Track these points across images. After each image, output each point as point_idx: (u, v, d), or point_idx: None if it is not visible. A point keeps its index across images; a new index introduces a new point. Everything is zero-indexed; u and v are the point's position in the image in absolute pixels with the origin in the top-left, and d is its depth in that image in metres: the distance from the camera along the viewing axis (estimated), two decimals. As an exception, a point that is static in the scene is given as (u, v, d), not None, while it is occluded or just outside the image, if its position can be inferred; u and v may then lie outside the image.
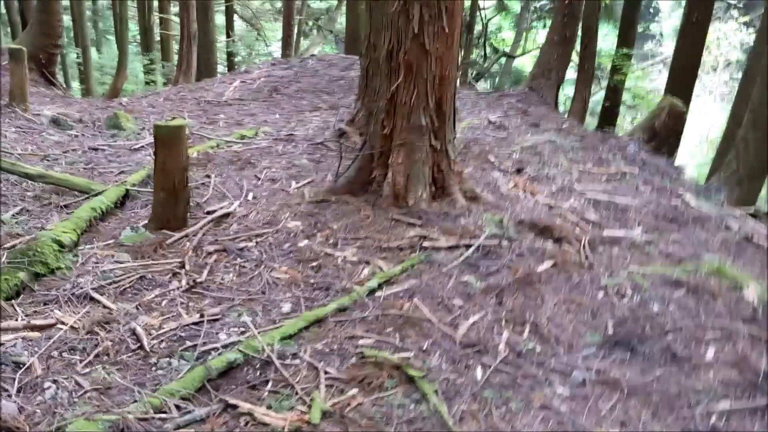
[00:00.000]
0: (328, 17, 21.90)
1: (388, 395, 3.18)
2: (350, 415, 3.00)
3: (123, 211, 5.42)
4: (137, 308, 3.92)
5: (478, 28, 16.35)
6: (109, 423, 2.75)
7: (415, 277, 4.34)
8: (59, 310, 3.81)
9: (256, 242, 4.73)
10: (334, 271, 4.41)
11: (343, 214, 5.08)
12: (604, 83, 15.18)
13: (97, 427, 2.70)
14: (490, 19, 16.34)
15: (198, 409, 2.98)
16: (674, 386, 3.37)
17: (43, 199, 5.59)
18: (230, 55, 21.81)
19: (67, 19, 26.91)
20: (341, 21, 23.26)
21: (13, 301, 3.84)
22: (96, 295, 3.96)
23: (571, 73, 14.01)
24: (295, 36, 20.52)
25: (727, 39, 20.68)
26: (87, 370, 3.30)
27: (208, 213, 5.34)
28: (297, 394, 3.15)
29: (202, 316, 3.82)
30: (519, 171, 6.31)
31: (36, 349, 3.42)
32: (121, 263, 4.38)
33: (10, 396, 3.01)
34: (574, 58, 12.74)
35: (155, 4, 22.49)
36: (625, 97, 15.63)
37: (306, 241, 4.76)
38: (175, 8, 21.71)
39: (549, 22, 11.09)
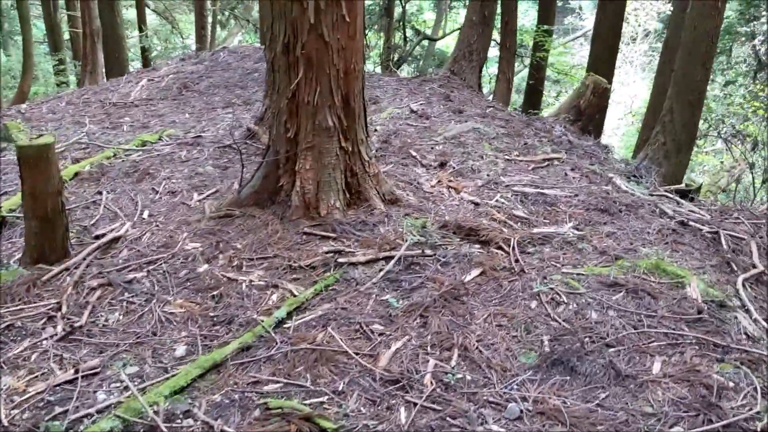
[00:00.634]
0: (244, 6, 20.99)
1: (295, 460, 2.67)
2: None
3: (-5, 241, 4.72)
4: (0, 367, 3.29)
5: (398, 10, 15.84)
6: None
7: (330, 300, 3.82)
8: None
9: (148, 271, 4.12)
10: (237, 299, 3.85)
11: (249, 230, 4.51)
12: (528, 61, 14.89)
13: None
14: (408, 0, 15.82)
15: None
16: (621, 412, 2.96)
17: None
18: (144, 51, 20.67)
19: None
20: (257, 10, 22.37)
21: None
22: (-54, 357, 3.31)
23: (494, 52, 13.67)
24: (210, 27, 19.59)
25: (645, 10, 20.74)
26: None
27: (96, 238, 4.70)
28: (183, 470, 2.61)
29: (77, 371, 3.22)
30: (442, 165, 5.85)
31: None
32: (-16, 311, 3.71)
33: None
34: (496, 36, 12.38)
35: (60, 1, 21.14)
36: (549, 72, 15.41)
37: (206, 266, 4.18)
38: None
39: (469, 2, 10.65)
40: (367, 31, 16.79)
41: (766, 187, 12.20)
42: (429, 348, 3.42)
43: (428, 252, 4.21)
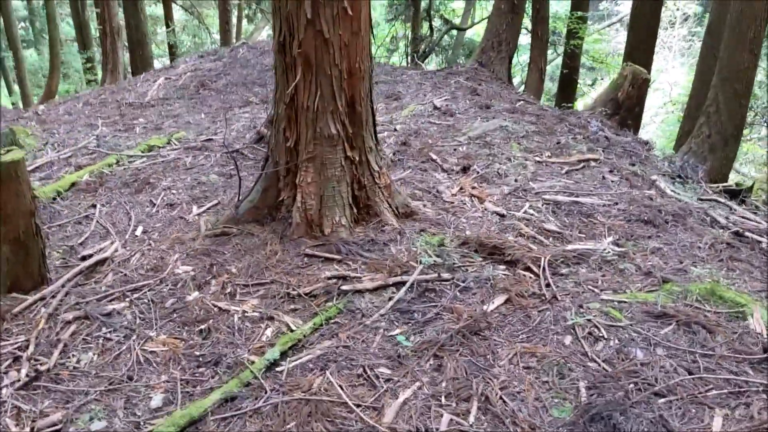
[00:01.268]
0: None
1: None
2: None
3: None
4: (-51, 422, 2.85)
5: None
6: None
7: (331, 336, 3.31)
8: None
9: (131, 301, 3.65)
10: (227, 334, 3.36)
11: (246, 251, 4.01)
12: (561, 49, 14.16)
13: None
14: (437, -11, 15.18)
15: None
16: (675, 488, 2.40)
17: None
18: (171, 47, 20.37)
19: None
20: (285, 2, 21.92)
21: None
22: None
23: (525, 40, 12.98)
24: (235, 21, 19.19)
25: (683, -8, 19.74)
26: None
27: (83, 259, 4.26)
28: None
29: (33, 429, 2.76)
30: (465, 169, 5.29)
31: None
32: (-57, 351, 3.29)
33: None
34: (527, 24, 11.70)
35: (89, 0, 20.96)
36: (583, 59, 14.64)
37: (196, 293, 3.70)
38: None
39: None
40: (394, 22, 16.22)
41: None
42: (443, 398, 2.88)
43: (445, 276, 3.66)
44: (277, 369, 3.10)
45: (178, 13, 24.49)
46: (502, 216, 4.44)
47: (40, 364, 3.18)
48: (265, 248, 3.98)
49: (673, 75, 20.38)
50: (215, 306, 3.58)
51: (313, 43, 3.63)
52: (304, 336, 3.29)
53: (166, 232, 4.53)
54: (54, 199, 5.24)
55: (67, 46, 25.38)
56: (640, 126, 10.44)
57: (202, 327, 3.42)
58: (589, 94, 17.00)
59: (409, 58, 14.47)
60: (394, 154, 5.62)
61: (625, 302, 3.47)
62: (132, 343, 3.32)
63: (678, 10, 20.42)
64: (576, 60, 13.50)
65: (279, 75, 3.88)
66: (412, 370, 3.05)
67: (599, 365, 3.04)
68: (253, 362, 3.11)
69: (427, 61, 14.14)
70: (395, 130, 6.57)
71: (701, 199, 5.05)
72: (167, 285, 3.79)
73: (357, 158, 3.97)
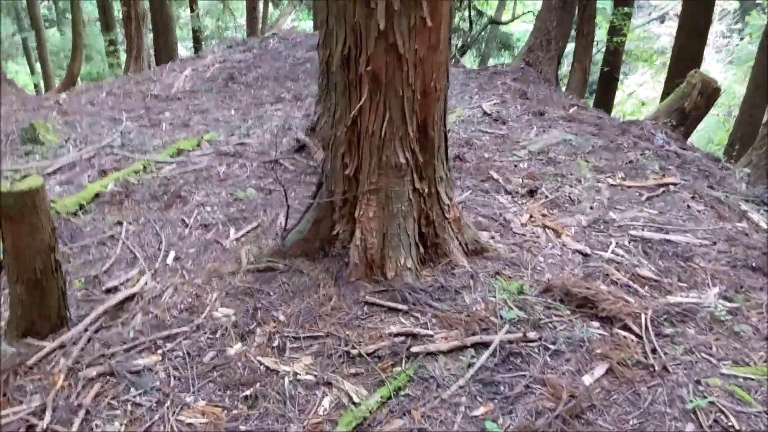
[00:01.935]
0: (297, -15, 19.91)
1: None
2: None
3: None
4: None
5: (459, -11, 14.51)
6: None
7: (402, 413, 2.75)
8: None
9: (164, 353, 3.11)
10: (277, 403, 2.81)
11: (295, 293, 3.45)
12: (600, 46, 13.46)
13: None
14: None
15: None
16: None
17: None
18: (195, 32, 19.78)
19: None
20: (312, -12, 21.19)
21: None
22: None
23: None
24: (261, 7, 18.56)
25: (724, -13, 18.85)
26: None
27: (108, 291, 3.73)
28: None
29: None
30: (532, 193, 4.70)
31: None
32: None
33: None
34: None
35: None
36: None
37: (239, 346, 3.15)
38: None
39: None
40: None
41: None
42: None
43: (531, 335, 3.09)
44: (340, 457, 2.56)
45: (202, -5, 23.89)
46: (586, 256, 3.84)
47: (58, 439, 2.66)
48: (317, 291, 3.41)
49: (712, 73, 19.51)
50: (261, 364, 3.03)
51: (384, 58, 3.04)
52: (370, 412, 2.73)
53: (202, 261, 3.98)
54: (76, 212, 4.71)
55: (89, 27, 24.87)
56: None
57: (248, 392, 2.88)
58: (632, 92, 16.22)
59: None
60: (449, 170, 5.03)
61: (752, 379, 2.88)
62: (166, 411, 2.78)
63: (717, 5, 19.53)
64: (617, 58, 12.80)
65: (339, 92, 3.30)
66: (505, 467, 2.49)
67: (734, 468, 2.47)
68: (310, 448, 2.56)
69: (462, 56, 13.46)
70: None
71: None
72: (205, 332, 3.25)
73: (426, 190, 3.39)
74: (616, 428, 2.64)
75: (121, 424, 2.75)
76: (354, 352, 3.04)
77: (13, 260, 3.07)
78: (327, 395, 2.86)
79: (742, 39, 19.94)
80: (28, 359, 3.05)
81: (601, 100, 12.78)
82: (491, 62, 17.08)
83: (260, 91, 9.13)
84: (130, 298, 3.58)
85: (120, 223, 4.53)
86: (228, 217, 4.53)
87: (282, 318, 3.29)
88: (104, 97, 9.88)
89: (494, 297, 3.35)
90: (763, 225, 4.43)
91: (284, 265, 3.63)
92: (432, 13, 3.02)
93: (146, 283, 3.71)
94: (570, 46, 10.80)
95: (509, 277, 3.56)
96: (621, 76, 18.16)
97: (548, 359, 3.00)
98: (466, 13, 13.64)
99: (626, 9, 11.78)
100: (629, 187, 4.89)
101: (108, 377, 2.98)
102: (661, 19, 19.94)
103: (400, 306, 3.24)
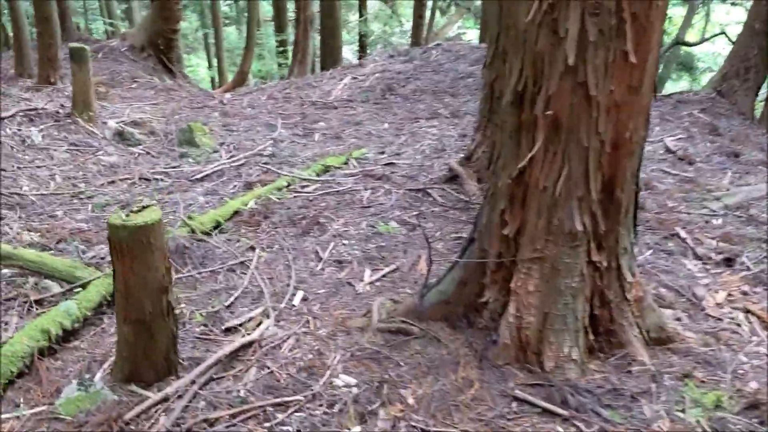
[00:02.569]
0: (466, -7, 19.34)
1: None
2: None
3: (103, 322, 3.50)
4: None
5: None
6: None
7: None
8: None
9: (271, 427, 2.64)
10: None
11: (429, 368, 2.87)
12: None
13: None
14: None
15: None
16: None
17: (15, 285, 3.81)
18: (362, 37, 19.81)
19: None
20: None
21: None
22: None
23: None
24: (428, 15, 18.19)
25: None
26: None
27: (227, 331, 3.35)
28: None
29: None
30: (729, 261, 3.81)
31: None
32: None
33: None
34: None
35: (289, -18, 20.95)
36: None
37: (357, 430, 2.62)
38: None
39: (751, 4, 8.11)
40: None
41: None
42: None
43: (733, 476, 2.30)
44: None
45: (370, 1, 24.02)
46: (807, 363, 2.95)
47: None
48: (455, 371, 2.81)
49: None
50: (383, 459, 2.48)
51: (570, 99, 2.39)
52: None
53: (330, 306, 3.51)
54: (211, 231, 4.43)
55: (264, 27, 25.85)
56: None
57: (363, 498, 2.34)
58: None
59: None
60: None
61: None
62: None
63: None
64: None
65: (507, 134, 2.67)
66: None
67: None
68: None
69: None
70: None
71: None
72: (321, 404, 2.75)
73: (605, 264, 2.69)
74: None
75: None
76: (494, 464, 2.41)
77: (123, 299, 2.74)
78: None
79: None
80: (127, 412, 2.70)
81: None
82: (669, 85, 15.59)
83: (417, 104, 8.67)
84: (247, 345, 3.17)
85: (253, 249, 4.18)
86: (365, 254, 4.04)
87: (411, 400, 2.72)
88: (265, 100, 9.88)
89: (682, 411, 2.58)
90: None
91: (420, 330, 3.07)
92: (637, 45, 2.32)
93: (267, 328, 3.29)
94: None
95: (702, 382, 2.76)
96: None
97: None
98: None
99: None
100: None
101: (207, 447, 2.57)
102: None
103: (558, 409, 2.56)
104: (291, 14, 21.80)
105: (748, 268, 3.76)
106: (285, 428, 2.64)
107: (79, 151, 6.53)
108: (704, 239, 4.07)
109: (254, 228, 4.51)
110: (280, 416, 2.69)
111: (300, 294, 3.64)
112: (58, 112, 7.14)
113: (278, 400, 2.78)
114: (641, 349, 2.81)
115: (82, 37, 15.99)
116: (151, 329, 2.79)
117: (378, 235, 4.28)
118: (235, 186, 5.67)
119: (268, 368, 3.00)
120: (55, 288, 3.75)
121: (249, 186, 5.59)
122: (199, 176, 5.98)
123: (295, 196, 5.08)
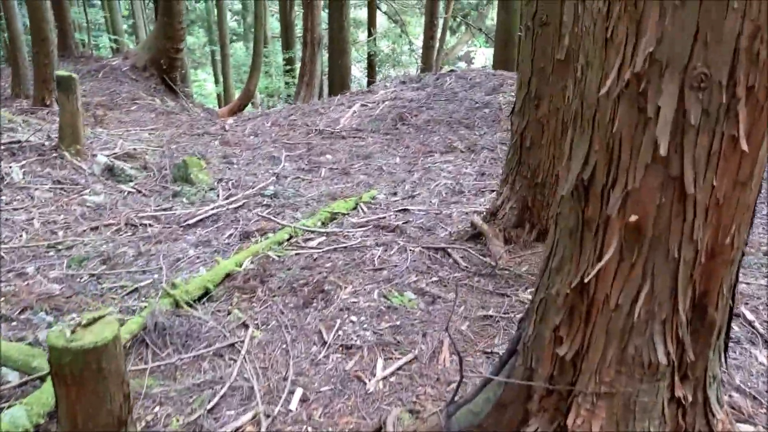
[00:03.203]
0: (478, 13, 18.79)
1: None
2: None
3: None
4: None
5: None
6: None
7: None
8: None
9: None
10: None
11: None
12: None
13: None
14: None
15: None
16: None
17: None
18: (371, 56, 19.29)
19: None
20: (492, 16, 20.04)
21: None
22: None
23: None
24: (439, 35, 17.65)
25: None
26: None
27: (209, 446, 2.74)
28: None
29: None
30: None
31: None
32: None
33: None
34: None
35: (297, 0, 20.50)
36: None
37: None
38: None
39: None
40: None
41: None
42: None
43: None
44: None
45: (380, 18, 23.54)
46: None
47: None
48: None
49: None
50: None
51: (658, 197, 1.77)
52: None
53: (335, 410, 2.89)
54: (199, 299, 3.83)
55: (272, 43, 25.44)
56: None
57: None
58: None
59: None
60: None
61: None
62: None
63: None
64: None
65: (565, 230, 2.06)
66: None
67: None
68: None
69: None
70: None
71: None
72: None
73: (690, 398, 2.06)
74: None
75: None
76: None
77: (70, 432, 2.12)
78: None
79: None
80: None
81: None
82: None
83: (430, 136, 8.08)
84: (231, 470, 2.55)
85: (246, 326, 3.56)
86: (377, 336, 3.42)
87: None
88: (269, 127, 9.32)
89: None
90: None
91: (447, 459, 2.45)
92: (751, 129, 1.71)
93: (257, 443, 2.68)
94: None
95: None
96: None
97: None
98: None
99: None
100: None
101: None
102: None
103: None
104: (299, 30, 21.37)
105: (834, 364, 3.13)
106: None
107: (63, 190, 5.94)
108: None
109: (249, 296, 3.90)
110: None
111: (299, 392, 3.02)
112: (43, 145, 6.57)
113: None
114: (732, 504, 2.18)
115: (84, 55, 15.53)
116: (107, 469, 2.17)
117: (392, 309, 3.65)
118: (231, 235, 5.07)
119: (257, 507, 2.38)
120: (12, 377, 3.15)
121: (246, 235, 5.00)
122: (192, 221, 5.39)
123: (297, 254, 4.46)
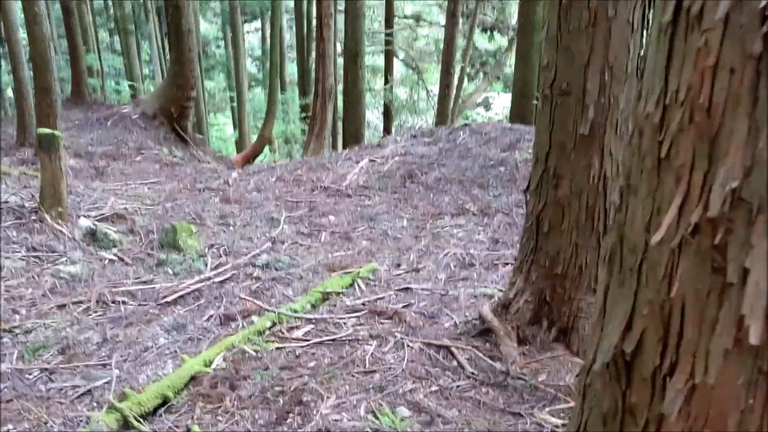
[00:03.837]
0: (496, 61, 18.36)
1: None
2: None
3: None
4: None
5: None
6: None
7: None
8: None
9: None
10: None
11: None
12: None
13: None
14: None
15: None
16: None
17: None
18: (386, 106, 18.85)
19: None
20: (510, 64, 19.63)
21: None
22: None
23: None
24: (455, 83, 17.20)
25: None
26: None
27: None
28: None
29: None
30: None
31: None
32: None
33: None
34: None
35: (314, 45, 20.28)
36: None
37: None
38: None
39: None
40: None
41: None
42: None
43: None
44: None
45: (397, 65, 23.25)
46: None
47: None
48: None
49: None
50: None
51: (743, 399, 1.15)
52: None
53: None
54: (156, 410, 3.22)
55: (291, 88, 25.25)
56: None
57: None
58: None
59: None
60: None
61: None
62: None
63: None
64: None
65: (599, 417, 1.42)
66: None
67: None
68: None
69: None
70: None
71: None
72: None
73: None
74: None
75: None
76: None
77: None
78: None
79: None
80: None
81: None
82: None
83: (441, 196, 7.49)
84: None
85: (202, 453, 2.94)
86: (360, 471, 2.77)
87: None
88: (273, 182, 8.80)
89: None
90: None
91: None
92: None
93: None
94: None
95: None
96: None
97: None
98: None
99: None
100: None
101: None
102: None
103: None
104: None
105: None
106: None
107: (37, 259, 5.41)
108: None
109: (215, 406, 3.27)
110: None
111: None
112: (23, 207, 6.07)
113: None
114: None
115: (97, 102, 15.27)
116: None
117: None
118: (211, 317, 4.48)
119: None
120: None
121: (228, 319, 4.41)
122: (171, 298, 4.81)
123: (278, 348, 3.84)
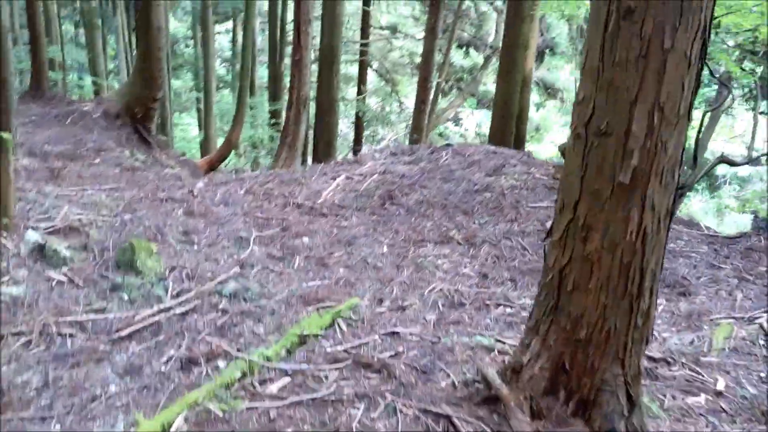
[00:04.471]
0: (472, 78, 18.01)
1: None
2: None
3: None
4: None
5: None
6: None
7: None
8: None
9: None
10: None
11: None
12: None
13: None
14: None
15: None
16: None
17: None
18: (359, 117, 18.33)
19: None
20: (485, 82, 19.29)
21: None
22: None
23: None
24: (431, 97, 16.78)
25: None
26: None
27: None
28: None
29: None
30: None
31: None
32: None
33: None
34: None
35: (288, 50, 19.65)
36: None
37: None
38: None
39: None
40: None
41: None
42: None
43: None
44: None
45: (371, 75, 22.76)
46: None
47: None
48: None
49: None
50: None
51: None
52: None
53: None
54: (98, 492, 2.62)
55: (260, 92, 24.54)
56: None
57: None
58: None
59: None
60: None
61: None
62: None
63: None
64: None
65: None
66: None
67: None
68: None
69: (679, 204, 10.71)
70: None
71: None
72: None
73: None
74: None
75: None
76: None
77: None
78: None
79: None
80: None
81: None
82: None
83: (423, 221, 6.99)
84: None
85: None
86: None
87: None
88: (242, 195, 8.18)
89: None
90: None
91: None
92: None
93: None
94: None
95: None
96: None
97: None
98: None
99: None
100: None
101: None
102: None
103: None
104: (288, 82, 20.47)
105: None
106: None
107: (-27, 278, 4.72)
108: None
109: (171, 487, 2.69)
110: None
111: None
112: (-39, 216, 5.35)
113: None
114: None
115: (57, 96, 14.39)
116: None
117: None
118: (171, 359, 3.87)
119: None
120: None
121: (190, 362, 3.81)
122: (125, 332, 4.19)
123: (249, 408, 3.26)
